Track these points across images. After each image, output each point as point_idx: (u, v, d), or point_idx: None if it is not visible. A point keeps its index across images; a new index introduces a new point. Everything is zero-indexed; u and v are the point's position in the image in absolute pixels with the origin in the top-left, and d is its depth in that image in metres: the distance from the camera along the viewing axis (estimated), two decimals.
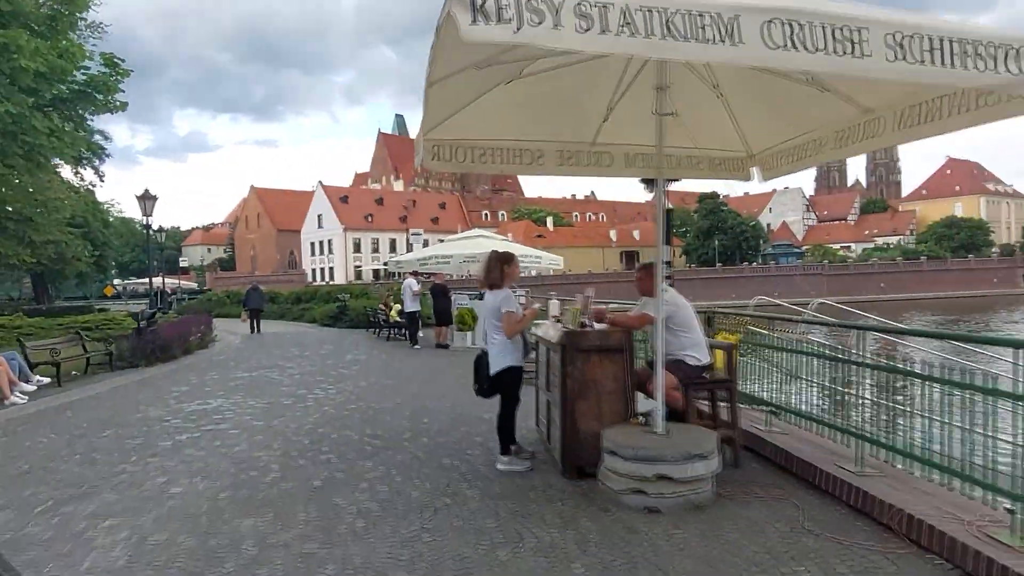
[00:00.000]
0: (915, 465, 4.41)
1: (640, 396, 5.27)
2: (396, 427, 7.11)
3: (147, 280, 42.73)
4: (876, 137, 4.55)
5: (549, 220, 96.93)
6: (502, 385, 5.41)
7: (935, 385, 4.18)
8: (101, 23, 21.29)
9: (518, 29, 2.51)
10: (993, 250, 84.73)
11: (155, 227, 33.22)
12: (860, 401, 4.76)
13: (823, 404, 5.49)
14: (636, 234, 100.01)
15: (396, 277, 34.90)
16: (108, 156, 28.34)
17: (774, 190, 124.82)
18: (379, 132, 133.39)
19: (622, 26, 2.59)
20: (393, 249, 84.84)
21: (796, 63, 2.94)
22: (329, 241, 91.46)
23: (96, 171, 28.45)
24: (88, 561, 3.75)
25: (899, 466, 4.58)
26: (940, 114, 4.02)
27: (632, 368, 5.13)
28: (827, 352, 5.29)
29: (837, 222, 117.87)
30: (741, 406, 5.60)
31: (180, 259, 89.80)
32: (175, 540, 4.02)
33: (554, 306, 6.47)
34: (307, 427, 7.24)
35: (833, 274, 71.43)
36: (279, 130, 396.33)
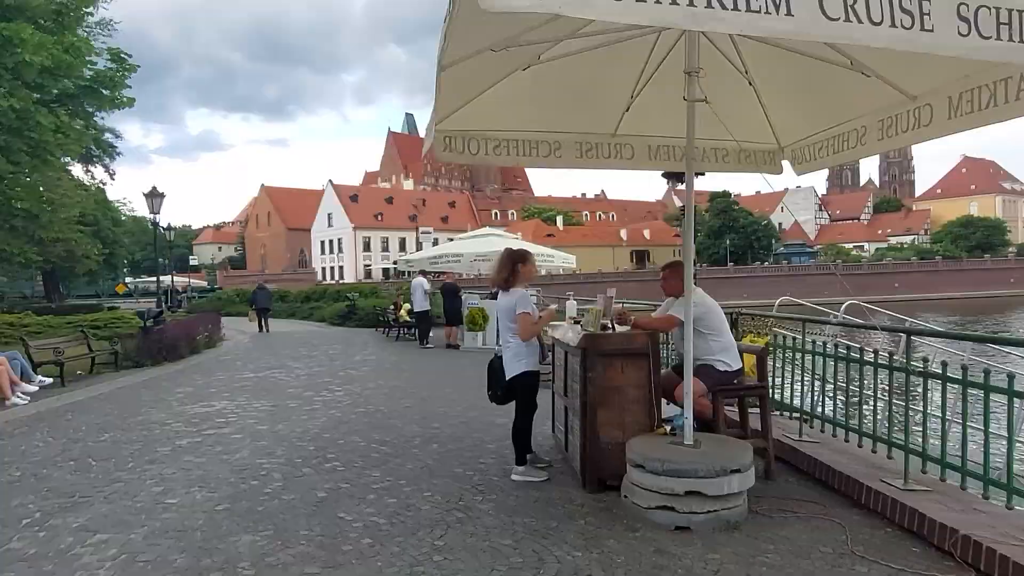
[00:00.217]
0: (969, 481, 4.06)
1: (663, 403, 4.95)
2: (405, 433, 6.80)
3: (164, 278, 42.78)
4: (926, 127, 4.17)
5: (559, 219, 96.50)
6: (518, 391, 5.09)
7: (994, 395, 3.83)
8: (111, 20, 21.16)
9: None
10: (1010, 250, 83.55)
11: (164, 225, 33.16)
12: (906, 411, 4.41)
13: (857, 411, 5.13)
14: (647, 233, 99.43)
15: (406, 276, 34.66)
16: (119, 154, 28.28)
17: (786, 189, 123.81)
18: (389, 131, 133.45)
19: None
20: (403, 248, 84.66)
21: (856, 37, 2.59)
22: (339, 240, 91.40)
23: (107, 169, 28.40)
24: None
25: (950, 481, 4.22)
26: (999, 100, 3.65)
27: (658, 374, 4.79)
28: (870, 358, 4.91)
29: (850, 221, 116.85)
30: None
31: (190, 257, 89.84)
32: (166, 558, 3.72)
33: (571, 307, 6.13)
34: (312, 432, 6.95)
35: (846, 273, 70.63)
36: (290, 129, 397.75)
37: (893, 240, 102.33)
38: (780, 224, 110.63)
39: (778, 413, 5.88)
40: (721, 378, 4.86)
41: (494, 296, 15.99)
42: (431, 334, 16.55)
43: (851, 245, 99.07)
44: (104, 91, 18.26)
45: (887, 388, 4.77)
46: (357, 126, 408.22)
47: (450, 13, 3.14)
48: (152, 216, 19.28)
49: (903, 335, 4.44)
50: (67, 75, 15.69)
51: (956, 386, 4.13)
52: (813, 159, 5.48)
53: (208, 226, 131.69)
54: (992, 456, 3.89)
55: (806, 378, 5.67)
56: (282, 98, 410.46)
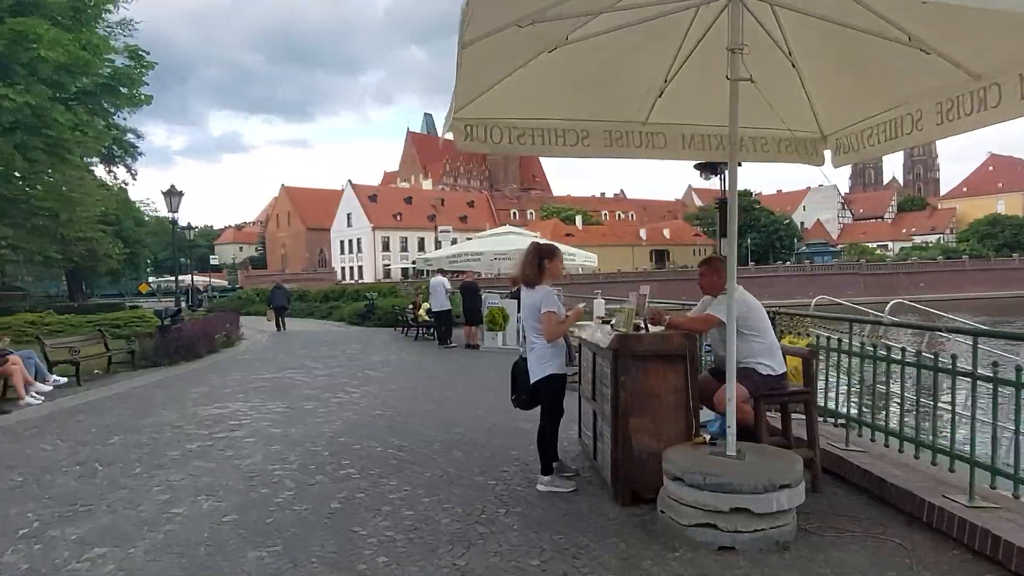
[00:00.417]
0: None
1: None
2: (424, 437, 6.50)
3: (184, 277, 42.94)
4: (993, 108, 3.77)
5: (578, 218, 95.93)
6: (543, 395, 4.76)
7: None
8: (131, 20, 21.13)
9: None
10: None
11: (183, 223, 33.25)
12: (972, 421, 4.02)
13: (914, 419, 4.75)
14: (666, 232, 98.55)
15: (424, 275, 34.47)
16: (141, 154, 28.30)
17: (808, 188, 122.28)
18: (408, 131, 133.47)
19: None
20: (421, 247, 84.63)
21: None
22: (358, 239, 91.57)
23: (128, 169, 28.46)
24: None
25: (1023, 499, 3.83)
26: None
27: (696, 378, 4.44)
28: (933, 363, 4.51)
29: (873, 220, 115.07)
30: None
31: (211, 257, 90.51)
32: None
33: (599, 306, 5.79)
34: (328, 436, 6.67)
35: (870, 273, 69.48)
36: (310, 130, 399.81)
37: (918, 239, 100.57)
38: (802, 223, 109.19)
39: (821, 419, 5.50)
40: (764, 383, 4.50)
41: (514, 295, 15.82)
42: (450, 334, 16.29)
43: (875, 244, 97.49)
44: (122, 89, 18.18)
45: (950, 396, 4.37)
46: (376, 126, 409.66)
47: None
48: (170, 214, 19.17)
49: (971, 337, 4.05)
50: (85, 72, 15.58)
51: None
52: (860, 147, 5.10)
53: (229, 226, 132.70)
54: None
55: (853, 382, 5.29)
56: (302, 99, 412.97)
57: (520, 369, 4.92)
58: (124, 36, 20.93)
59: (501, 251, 15.81)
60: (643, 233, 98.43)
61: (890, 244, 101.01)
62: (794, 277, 65.67)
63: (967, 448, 4.17)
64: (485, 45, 3.71)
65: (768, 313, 6.09)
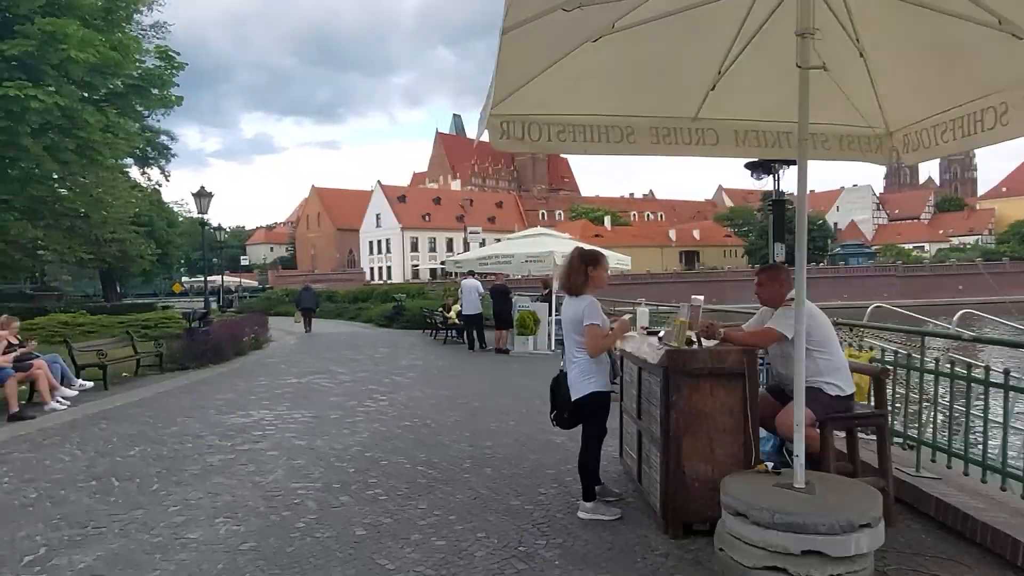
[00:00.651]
0: None
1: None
2: (454, 453, 6.15)
3: (215, 277, 43.25)
4: None
5: (607, 219, 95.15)
6: (586, 414, 4.39)
7: None
8: (165, 23, 21.21)
9: None
10: None
11: (214, 224, 33.44)
12: None
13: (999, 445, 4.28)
14: (696, 234, 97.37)
15: (453, 276, 34.22)
16: (174, 156, 28.54)
17: (841, 188, 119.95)
18: (437, 132, 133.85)
19: None
20: (450, 248, 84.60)
21: None
22: (387, 240, 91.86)
23: (162, 171, 28.71)
24: None
25: None
26: None
27: (755, 398, 4.03)
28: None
29: (909, 221, 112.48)
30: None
31: (242, 258, 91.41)
32: None
33: (643, 314, 5.39)
34: (354, 449, 6.36)
35: (906, 275, 67.75)
36: (340, 132, 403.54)
37: (955, 240, 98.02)
38: (835, 224, 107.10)
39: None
40: (832, 404, 4.07)
41: (545, 298, 15.45)
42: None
43: (911, 245, 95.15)
44: (153, 90, 18.17)
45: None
46: (405, 128, 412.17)
47: None
48: (200, 215, 19.14)
49: None
50: (116, 73, 15.54)
51: None
52: (932, 144, 4.65)
53: (260, 227, 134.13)
54: None
55: (924, 401, 4.82)
56: (333, 101, 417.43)
57: (560, 384, 4.54)
58: (157, 39, 21.06)
59: (533, 253, 15.43)
60: (672, 234, 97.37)
61: (926, 246, 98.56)
62: (828, 279, 64.15)
63: None
64: (527, 32, 3.37)
65: None
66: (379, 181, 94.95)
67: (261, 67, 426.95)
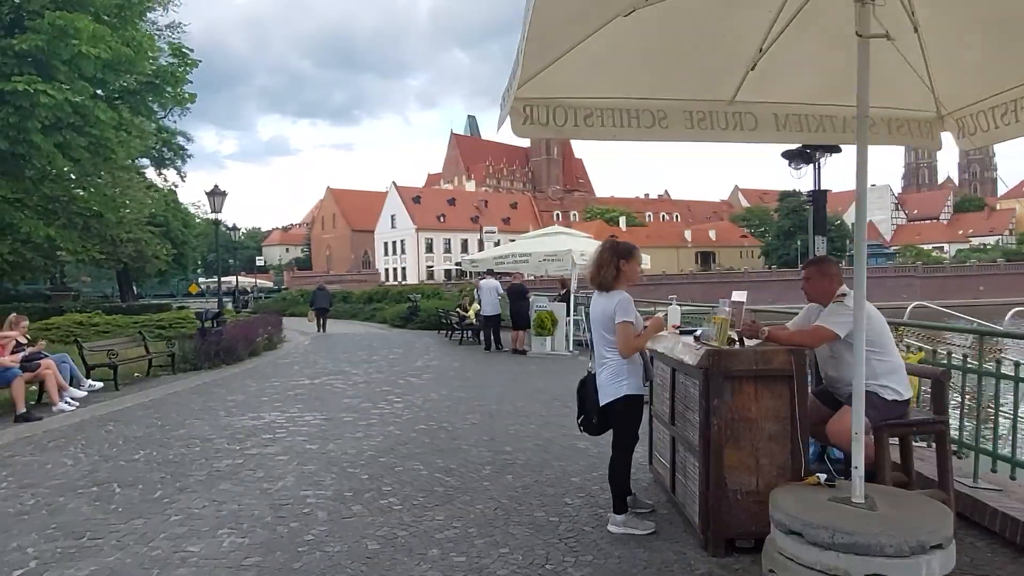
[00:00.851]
0: None
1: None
2: (473, 459, 5.83)
3: (229, 278, 43.26)
4: None
5: (622, 220, 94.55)
6: (616, 420, 4.05)
7: None
8: (180, 23, 21.13)
9: None
10: None
11: (230, 225, 33.43)
12: None
13: None
14: (712, 234, 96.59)
15: (468, 277, 33.95)
16: (190, 156, 28.53)
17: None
18: (451, 133, 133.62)
19: None
20: (465, 249, 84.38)
21: None
22: (402, 241, 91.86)
23: (178, 171, 28.70)
24: None
25: None
26: None
27: (804, 403, 3.68)
28: None
29: (928, 221, 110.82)
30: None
31: (257, 259, 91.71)
32: None
33: (674, 312, 5.05)
34: (367, 454, 6.06)
35: (926, 276, 66.66)
36: (355, 133, 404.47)
37: (975, 241, 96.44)
38: (853, 224, 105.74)
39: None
40: (889, 410, 3.72)
41: (563, 298, 15.12)
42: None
43: (930, 246, 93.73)
44: (167, 88, 18.02)
45: None
46: (420, 129, 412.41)
47: None
48: (214, 215, 19.00)
49: None
50: (128, 70, 15.38)
51: None
52: (990, 128, 4.29)
53: (276, 228, 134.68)
54: None
55: (987, 407, 4.45)
56: (348, 103, 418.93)
57: (588, 387, 4.21)
58: (172, 38, 20.98)
59: (550, 252, 15.12)
60: (688, 234, 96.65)
61: (946, 246, 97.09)
62: (846, 280, 63.19)
63: None
64: (556, 4, 3.07)
65: None
66: (394, 182, 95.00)
67: (277, 70, 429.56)
